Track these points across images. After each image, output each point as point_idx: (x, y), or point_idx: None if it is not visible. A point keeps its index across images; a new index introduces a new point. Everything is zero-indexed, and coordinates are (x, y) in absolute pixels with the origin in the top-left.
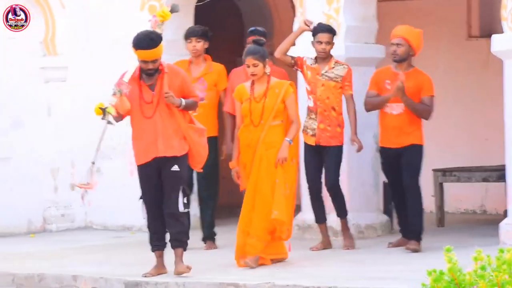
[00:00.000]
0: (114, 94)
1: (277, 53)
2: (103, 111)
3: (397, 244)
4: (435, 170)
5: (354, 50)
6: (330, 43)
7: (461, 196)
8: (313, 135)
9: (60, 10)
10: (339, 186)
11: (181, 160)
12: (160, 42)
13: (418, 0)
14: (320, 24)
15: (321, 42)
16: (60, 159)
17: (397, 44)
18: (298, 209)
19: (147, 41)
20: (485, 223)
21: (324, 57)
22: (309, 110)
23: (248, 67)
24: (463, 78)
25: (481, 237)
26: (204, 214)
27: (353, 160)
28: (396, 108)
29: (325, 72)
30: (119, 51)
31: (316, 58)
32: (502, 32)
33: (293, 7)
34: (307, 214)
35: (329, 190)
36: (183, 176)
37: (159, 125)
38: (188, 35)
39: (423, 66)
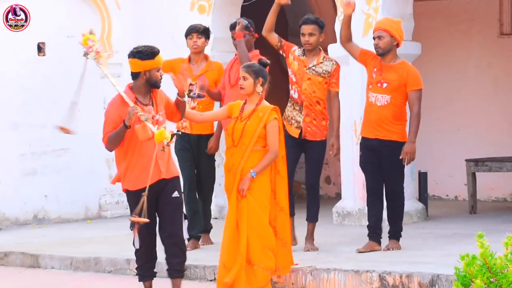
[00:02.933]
0: (146, 120)
1: (263, 31)
2: (172, 136)
3: (365, 248)
4: (467, 160)
5: None
6: (314, 34)
7: (493, 185)
8: (298, 127)
9: (116, 10)
10: (318, 187)
11: (179, 183)
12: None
13: (452, 0)
14: (305, 16)
15: (304, 34)
16: None
17: (379, 37)
18: (338, 196)
19: (154, 47)
20: None
21: (310, 49)
22: (293, 101)
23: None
24: (495, 73)
25: (511, 223)
26: (201, 207)
27: None
28: (380, 99)
29: (313, 66)
30: (169, 48)
31: (304, 49)
32: None
33: (334, 6)
34: (346, 202)
35: (308, 188)
36: (182, 202)
37: (159, 146)
38: (190, 31)
39: (456, 62)
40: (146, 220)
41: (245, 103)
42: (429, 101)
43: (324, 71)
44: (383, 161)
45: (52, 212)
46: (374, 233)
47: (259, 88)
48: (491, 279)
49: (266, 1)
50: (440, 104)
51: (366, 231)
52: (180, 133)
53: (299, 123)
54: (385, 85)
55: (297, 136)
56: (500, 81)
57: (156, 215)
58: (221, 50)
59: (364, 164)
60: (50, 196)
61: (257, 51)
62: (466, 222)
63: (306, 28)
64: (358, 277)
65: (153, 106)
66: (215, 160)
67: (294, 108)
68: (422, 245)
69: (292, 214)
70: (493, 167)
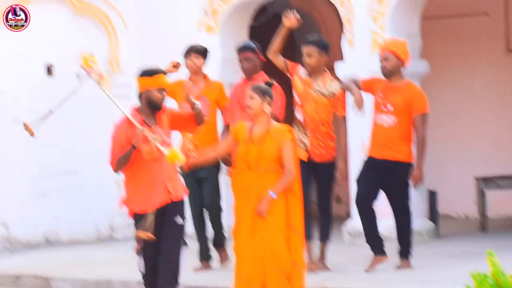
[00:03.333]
0: (155, 140)
1: (268, 53)
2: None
3: (372, 265)
4: (477, 178)
5: None
6: (312, 55)
7: (503, 202)
8: (305, 150)
9: (123, 30)
10: (331, 208)
11: (183, 207)
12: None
13: (457, 17)
14: (307, 36)
15: (303, 55)
16: None
17: (385, 59)
18: (348, 216)
19: (158, 67)
20: None
21: (310, 71)
22: (298, 123)
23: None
24: (501, 90)
25: None
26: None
27: None
28: (387, 121)
29: (318, 87)
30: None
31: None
32: None
33: (341, 24)
34: (357, 221)
35: (321, 210)
36: (184, 227)
37: (166, 167)
38: (188, 51)
39: (463, 80)
40: (152, 236)
41: (252, 125)
42: (437, 118)
43: (330, 93)
44: (390, 181)
45: (63, 233)
46: (375, 246)
47: (267, 108)
48: None
49: (274, 22)
50: (447, 121)
51: None
52: (194, 154)
53: (306, 145)
54: (390, 107)
55: (305, 159)
56: (507, 97)
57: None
58: (228, 70)
59: (362, 178)
60: (61, 218)
61: (261, 72)
62: (477, 240)
63: (304, 49)
64: None
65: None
66: (219, 184)
67: (299, 130)
68: (433, 264)
69: (309, 237)
70: (503, 185)
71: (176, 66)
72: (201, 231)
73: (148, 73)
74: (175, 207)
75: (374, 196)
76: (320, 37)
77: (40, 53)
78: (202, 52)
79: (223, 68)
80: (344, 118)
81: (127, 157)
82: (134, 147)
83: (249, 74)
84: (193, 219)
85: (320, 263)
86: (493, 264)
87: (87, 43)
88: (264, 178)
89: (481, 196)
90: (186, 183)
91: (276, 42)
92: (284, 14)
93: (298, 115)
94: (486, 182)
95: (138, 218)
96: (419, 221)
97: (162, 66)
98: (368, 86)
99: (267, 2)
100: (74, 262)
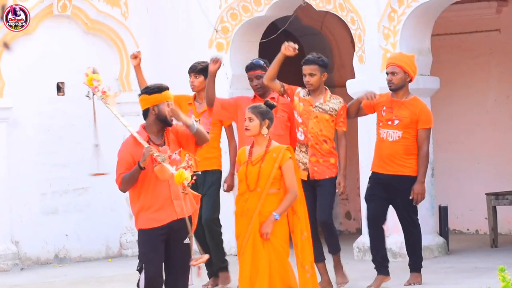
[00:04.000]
0: (163, 160)
1: (265, 80)
2: (191, 177)
3: (376, 285)
4: (488, 194)
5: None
6: (315, 74)
7: None
8: (305, 169)
9: (134, 48)
10: (332, 221)
11: (191, 222)
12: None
13: (469, 33)
14: (307, 56)
15: (305, 75)
16: None
17: (392, 73)
18: (358, 232)
19: (162, 84)
20: None
21: (313, 90)
22: (300, 143)
23: (245, 120)
24: None
25: None
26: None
27: None
28: (392, 135)
29: (320, 104)
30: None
31: (308, 91)
32: None
33: (352, 41)
34: (367, 237)
35: (321, 225)
36: (191, 247)
37: (173, 186)
38: (189, 72)
39: (475, 96)
40: (206, 256)
41: (252, 147)
42: (448, 134)
43: (331, 109)
44: (397, 195)
45: (73, 251)
46: (380, 266)
47: (265, 131)
48: None
49: (285, 37)
50: (459, 137)
51: (391, 265)
52: (200, 173)
53: (306, 164)
54: (396, 122)
55: (306, 178)
56: None
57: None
58: (239, 87)
59: (370, 196)
60: (71, 235)
61: (275, 94)
62: (488, 255)
63: (306, 69)
64: None
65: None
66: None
67: (300, 150)
68: (444, 279)
69: (320, 259)
70: None
71: (136, 56)
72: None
73: (156, 89)
74: (182, 224)
75: (384, 215)
76: (320, 55)
77: (51, 71)
78: (200, 71)
79: (234, 85)
80: (344, 133)
81: (133, 176)
82: (140, 167)
83: (261, 91)
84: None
85: (339, 276)
86: (504, 280)
87: (98, 61)
88: (265, 199)
89: (492, 211)
90: None
91: (272, 70)
92: (283, 44)
93: (300, 135)
94: (497, 198)
95: (144, 235)
96: (430, 236)
97: (174, 84)
98: (374, 104)
99: (277, 19)
100: (84, 279)
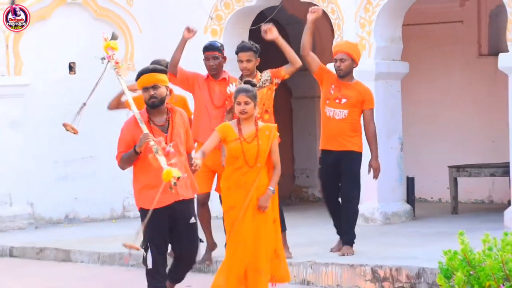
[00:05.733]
0: (157, 151)
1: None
2: (178, 178)
3: (338, 248)
4: (450, 167)
5: (383, 66)
6: (251, 60)
7: (472, 188)
8: None
9: (137, 33)
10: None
11: (193, 207)
12: (161, 71)
13: (435, 24)
14: (241, 43)
15: (242, 61)
16: None
17: (341, 59)
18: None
19: (147, 68)
20: (492, 211)
21: (248, 74)
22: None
23: (239, 104)
24: (475, 90)
25: (488, 223)
26: None
27: (381, 159)
28: (339, 114)
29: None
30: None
31: (241, 76)
32: (507, 51)
33: (332, 30)
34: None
35: None
36: (197, 227)
37: (173, 166)
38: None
39: (440, 80)
40: (138, 247)
41: (239, 124)
42: (416, 113)
43: (264, 81)
44: (342, 171)
45: (81, 212)
46: (344, 236)
47: (256, 110)
48: (471, 272)
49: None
50: (425, 118)
51: (363, 229)
52: (185, 175)
53: None
54: (344, 100)
55: None
56: (478, 96)
57: (167, 234)
58: (230, 69)
59: (325, 177)
60: (80, 199)
61: (225, 71)
62: (449, 221)
63: (243, 55)
64: (353, 270)
65: (168, 128)
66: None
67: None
68: (410, 242)
69: (284, 229)
70: (473, 173)
71: (191, 31)
72: None
73: (138, 75)
74: (185, 206)
75: (337, 190)
76: (253, 43)
77: (64, 52)
78: (163, 70)
79: (226, 68)
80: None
81: (129, 158)
82: (136, 152)
83: (215, 72)
84: None
85: (286, 251)
86: (463, 243)
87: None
88: (259, 172)
89: (454, 182)
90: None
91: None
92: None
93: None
94: (458, 170)
95: (145, 214)
96: (398, 204)
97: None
98: (324, 72)
99: (265, 9)
100: (91, 237)
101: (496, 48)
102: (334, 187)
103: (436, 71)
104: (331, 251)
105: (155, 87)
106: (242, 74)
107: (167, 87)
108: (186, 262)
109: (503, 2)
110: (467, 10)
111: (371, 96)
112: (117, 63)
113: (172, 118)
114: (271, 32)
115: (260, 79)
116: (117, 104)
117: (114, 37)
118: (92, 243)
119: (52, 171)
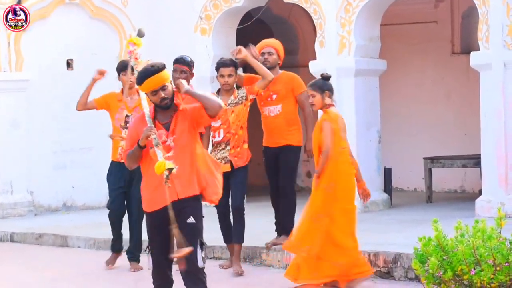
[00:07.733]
0: (157, 145)
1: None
2: (170, 170)
3: (274, 243)
4: (425, 158)
5: (362, 64)
6: (232, 75)
7: (445, 179)
8: (227, 162)
9: (131, 31)
10: (243, 209)
11: (197, 207)
12: (162, 68)
13: (411, 24)
14: (222, 59)
15: (223, 76)
16: None
17: (269, 53)
18: None
19: (149, 70)
20: (464, 200)
21: (228, 89)
22: (216, 145)
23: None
24: (447, 86)
25: (461, 211)
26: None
27: (360, 150)
28: (273, 111)
29: (231, 101)
30: None
31: (219, 91)
32: (479, 49)
33: (314, 29)
34: None
35: (233, 211)
36: (200, 227)
37: (176, 164)
38: (123, 68)
39: (415, 76)
40: (188, 249)
41: None
42: (393, 108)
43: (241, 98)
44: (280, 164)
45: (78, 200)
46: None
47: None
48: (444, 257)
49: (258, 24)
50: (402, 111)
51: None
52: (176, 167)
53: (226, 158)
54: (274, 96)
55: (230, 169)
56: (452, 92)
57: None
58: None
59: (269, 170)
60: (77, 187)
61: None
62: (424, 209)
63: (225, 70)
64: None
65: (170, 126)
66: None
67: (218, 150)
68: (387, 229)
69: (230, 240)
70: (446, 164)
71: (102, 73)
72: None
73: (137, 81)
74: (187, 206)
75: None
76: (232, 59)
77: (62, 49)
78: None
79: (213, 64)
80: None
81: (134, 154)
82: (139, 146)
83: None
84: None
85: (236, 265)
86: (437, 230)
87: (101, 42)
88: None
89: (428, 173)
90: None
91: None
92: (231, 53)
93: (217, 136)
94: (432, 162)
95: (147, 217)
96: (376, 193)
97: (165, 62)
98: (251, 78)
99: (252, 9)
100: (87, 224)
101: (468, 47)
102: (276, 182)
103: (412, 68)
104: (266, 246)
105: (163, 87)
106: (219, 89)
107: (170, 82)
108: (188, 271)
109: (474, 4)
110: (441, 11)
111: (298, 81)
112: (136, 58)
113: (176, 116)
114: (239, 53)
115: (237, 96)
116: (84, 104)
117: (140, 34)
118: (88, 229)
119: (51, 161)
